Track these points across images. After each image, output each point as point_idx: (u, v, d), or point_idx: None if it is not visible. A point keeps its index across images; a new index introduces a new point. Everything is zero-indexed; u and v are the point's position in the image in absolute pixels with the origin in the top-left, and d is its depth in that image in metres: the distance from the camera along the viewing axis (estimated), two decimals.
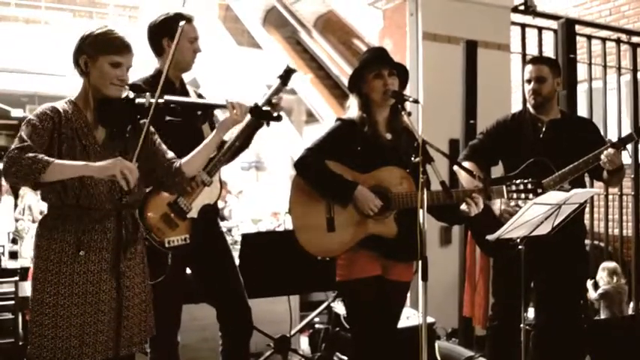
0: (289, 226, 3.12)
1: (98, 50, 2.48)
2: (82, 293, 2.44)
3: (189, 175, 2.66)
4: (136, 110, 2.50)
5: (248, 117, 2.74)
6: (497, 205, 3.41)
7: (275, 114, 2.78)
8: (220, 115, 2.83)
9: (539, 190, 2.90)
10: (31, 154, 2.29)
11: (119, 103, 2.50)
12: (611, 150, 3.23)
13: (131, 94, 2.51)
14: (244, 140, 3.18)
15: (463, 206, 2.91)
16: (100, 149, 2.49)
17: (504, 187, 2.93)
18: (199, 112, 3.10)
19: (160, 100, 2.47)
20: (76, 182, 2.42)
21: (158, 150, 2.66)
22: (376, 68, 3.02)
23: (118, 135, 2.52)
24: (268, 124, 2.83)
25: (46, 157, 2.30)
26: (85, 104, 2.54)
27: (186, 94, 3.19)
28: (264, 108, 2.75)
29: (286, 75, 3.17)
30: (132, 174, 2.29)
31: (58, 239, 2.45)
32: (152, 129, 2.60)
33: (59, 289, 2.43)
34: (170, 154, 2.68)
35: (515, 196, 2.92)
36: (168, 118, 2.68)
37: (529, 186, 2.91)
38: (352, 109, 3.10)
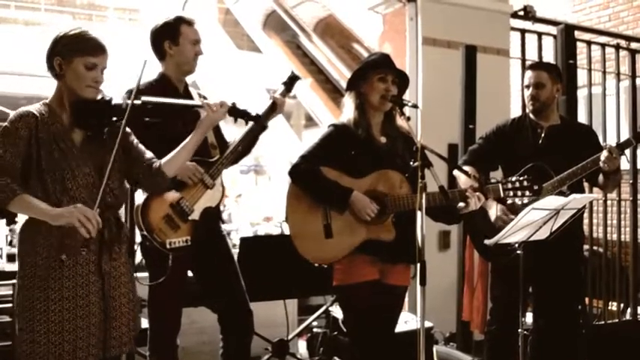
0: (287, 231, 3.12)
1: (73, 51, 2.44)
2: (72, 297, 2.42)
3: (170, 174, 2.65)
4: (112, 111, 2.47)
5: (231, 118, 2.79)
6: (493, 210, 3.41)
7: (254, 113, 2.82)
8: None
9: (536, 188, 2.90)
10: (1, 181, 2.30)
11: (95, 105, 2.46)
12: (607, 153, 3.24)
13: (108, 96, 2.48)
14: (247, 145, 3.20)
15: (461, 204, 2.91)
16: (77, 152, 2.46)
17: (500, 185, 2.93)
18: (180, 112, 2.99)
19: (137, 101, 2.45)
20: (58, 186, 2.39)
21: (134, 149, 2.63)
22: (382, 71, 3.03)
23: (95, 137, 2.49)
24: (247, 123, 2.93)
25: (16, 187, 2.31)
26: (60, 107, 2.49)
27: (189, 98, 3.20)
28: (241, 107, 2.78)
29: (290, 82, 3.21)
30: (91, 221, 2.26)
31: (44, 244, 2.42)
32: (127, 129, 2.57)
33: (49, 294, 2.40)
34: (149, 154, 2.65)
35: (511, 194, 2.92)
36: (147, 119, 2.62)
37: (525, 183, 2.90)
38: (347, 108, 3.10)
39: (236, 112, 2.77)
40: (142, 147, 2.66)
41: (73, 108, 2.46)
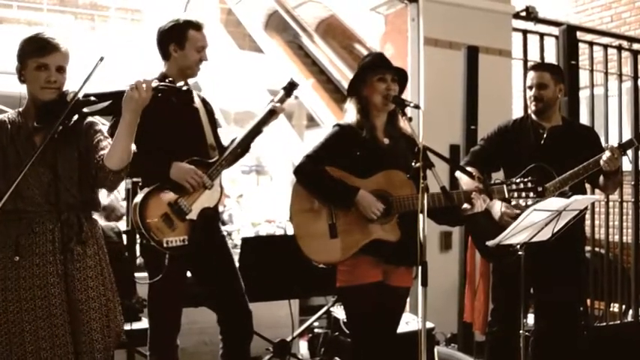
0: (290, 231, 3.12)
1: (24, 55, 2.46)
2: (30, 298, 2.38)
3: (113, 167, 2.41)
4: (64, 111, 2.36)
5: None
6: (497, 208, 3.41)
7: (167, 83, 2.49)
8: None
9: (540, 189, 2.89)
10: None
11: (48, 106, 2.42)
12: (609, 153, 3.24)
13: (68, 95, 2.41)
14: (244, 147, 3.21)
15: (465, 205, 2.91)
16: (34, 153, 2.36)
17: (505, 186, 2.92)
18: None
19: (80, 97, 2.37)
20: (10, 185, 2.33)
21: (93, 147, 2.50)
22: (380, 72, 3.03)
23: (55, 138, 2.38)
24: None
25: None
26: (27, 112, 2.50)
27: (191, 100, 3.20)
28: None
29: (290, 88, 3.24)
30: None
31: (1, 244, 2.41)
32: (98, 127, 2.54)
33: (6, 295, 2.38)
34: (101, 152, 2.48)
35: (515, 195, 2.91)
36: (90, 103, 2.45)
37: (529, 185, 2.90)
38: (350, 112, 3.10)
39: (161, 90, 2.43)
40: (103, 144, 2.50)
41: (37, 112, 2.46)
